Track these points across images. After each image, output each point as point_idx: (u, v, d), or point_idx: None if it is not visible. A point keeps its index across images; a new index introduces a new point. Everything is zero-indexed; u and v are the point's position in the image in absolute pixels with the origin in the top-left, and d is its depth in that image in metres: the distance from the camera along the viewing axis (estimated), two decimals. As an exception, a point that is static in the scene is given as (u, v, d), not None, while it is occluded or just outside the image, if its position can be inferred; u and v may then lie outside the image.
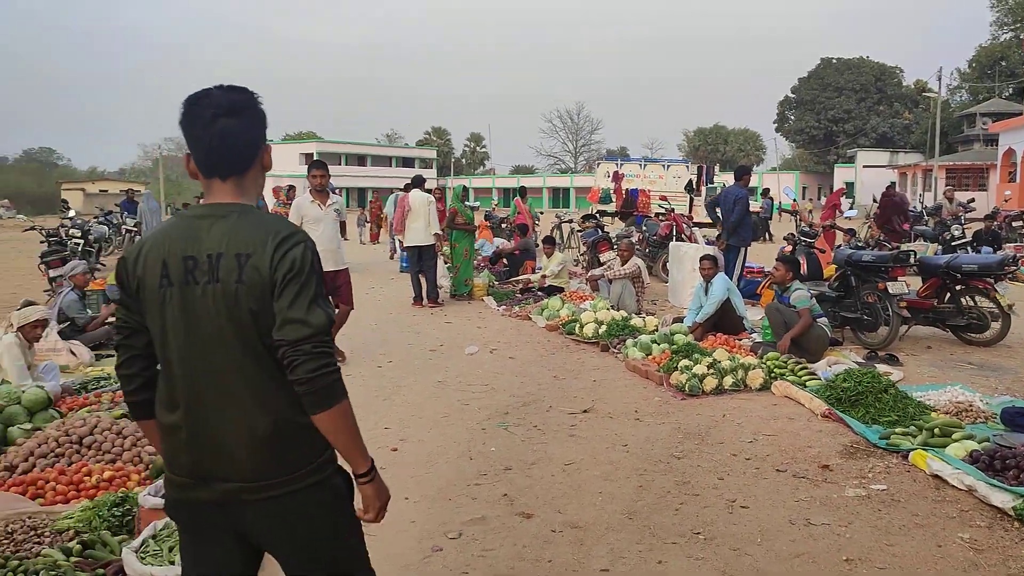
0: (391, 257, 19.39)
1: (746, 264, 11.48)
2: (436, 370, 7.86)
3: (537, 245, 14.21)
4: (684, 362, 7.13)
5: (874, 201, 18.59)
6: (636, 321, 9.27)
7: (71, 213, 19.35)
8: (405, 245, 12.58)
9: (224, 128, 2.03)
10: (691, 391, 6.74)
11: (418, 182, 12.91)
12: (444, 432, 5.89)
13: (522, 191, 19.01)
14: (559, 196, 75.78)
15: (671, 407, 6.51)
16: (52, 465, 4.79)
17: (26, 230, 22.50)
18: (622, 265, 10.65)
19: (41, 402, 5.78)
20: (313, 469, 2.07)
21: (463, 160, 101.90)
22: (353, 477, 2.13)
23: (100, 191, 56.57)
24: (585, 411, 6.39)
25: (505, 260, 14.68)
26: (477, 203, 43.79)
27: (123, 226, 19.82)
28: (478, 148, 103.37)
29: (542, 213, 33.92)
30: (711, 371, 6.92)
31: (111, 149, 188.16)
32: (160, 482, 4.12)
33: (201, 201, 2.13)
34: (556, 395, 6.91)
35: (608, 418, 6.23)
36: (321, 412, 1.97)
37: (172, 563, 3.50)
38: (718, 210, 11.71)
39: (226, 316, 1.99)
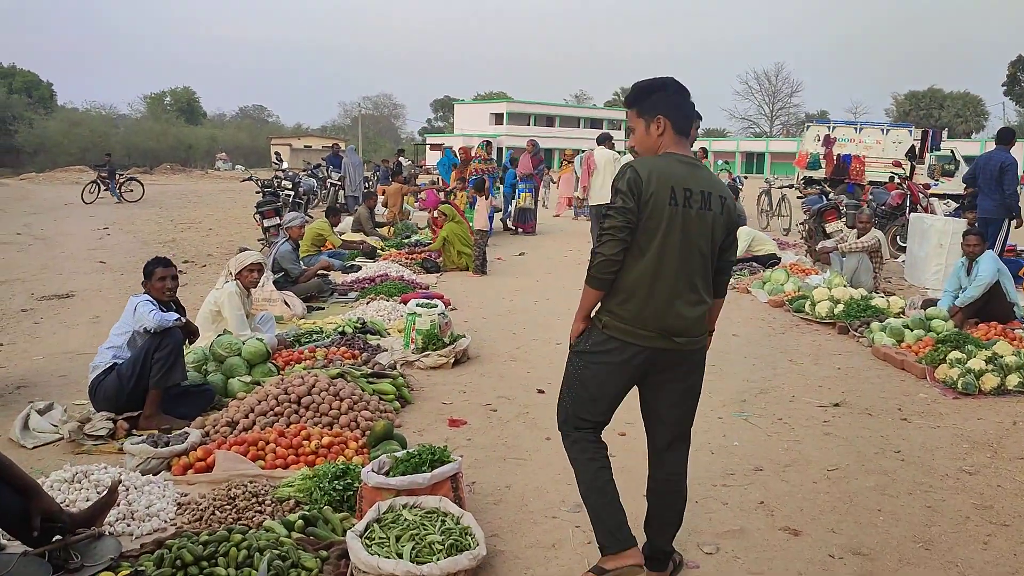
0: (574, 218, 19.20)
1: (1007, 242, 9.94)
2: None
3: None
4: (954, 354, 6.06)
5: None
6: (878, 301, 8.16)
7: (284, 165, 20.12)
8: (589, 204, 11.98)
9: (691, 105, 3.08)
10: (965, 389, 5.70)
11: (604, 139, 12.28)
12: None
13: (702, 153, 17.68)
14: (753, 161, 72.06)
15: (942, 407, 5.52)
16: (271, 424, 4.58)
17: (243, 180, 23.81)
18: (859, 237, 9.45)
19: (260, 355, 5.65)
20: (708, 334, 3.14)
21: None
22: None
23: (305, 146, 59.51)
24: (836, 404, 5.54)
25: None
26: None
27: (328, 179, 20.06)
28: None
29: (746, 178, 32.07)
30: (990, 367, 5.83)
31: (314, 107, 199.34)
32: (384, 458, 3.76)
33: (665, 150, 2.97)
34: (796, 383, 6.07)
35: (866, 415, 5.35)
36: (720, 298, 3.18)
37: (400, 556, 3.09)
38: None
39: (707, 233, 2.93)
